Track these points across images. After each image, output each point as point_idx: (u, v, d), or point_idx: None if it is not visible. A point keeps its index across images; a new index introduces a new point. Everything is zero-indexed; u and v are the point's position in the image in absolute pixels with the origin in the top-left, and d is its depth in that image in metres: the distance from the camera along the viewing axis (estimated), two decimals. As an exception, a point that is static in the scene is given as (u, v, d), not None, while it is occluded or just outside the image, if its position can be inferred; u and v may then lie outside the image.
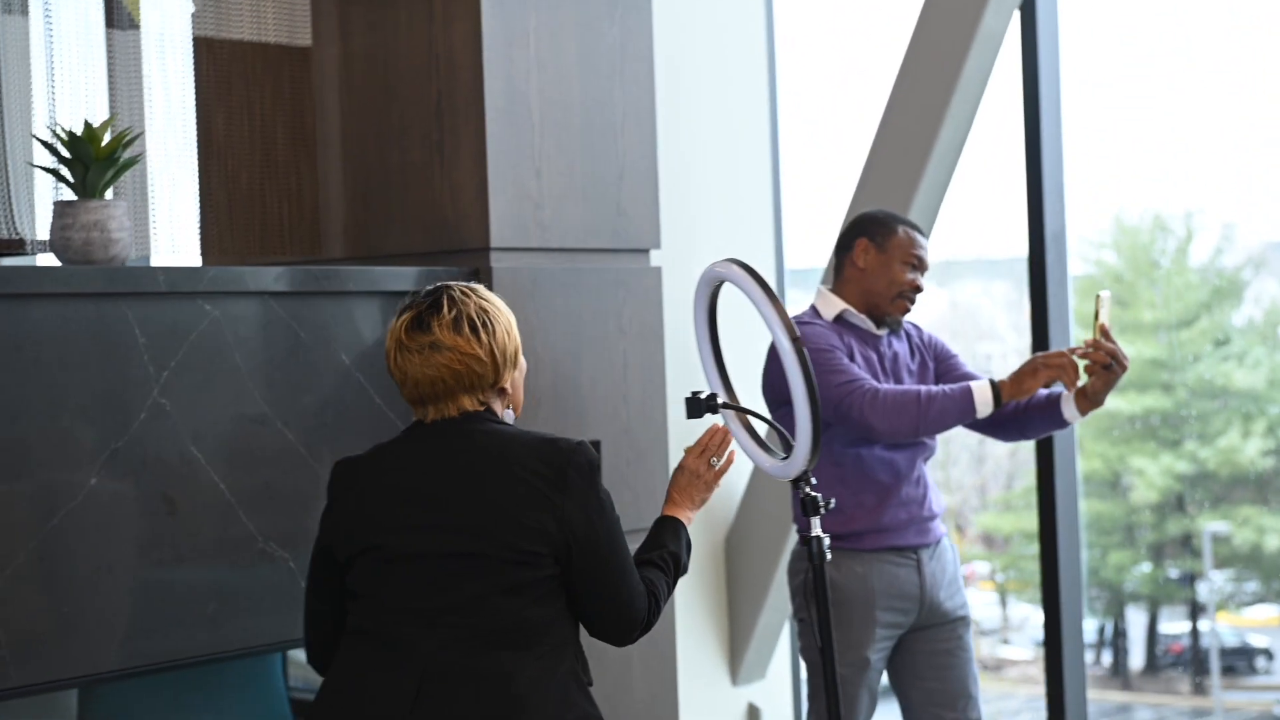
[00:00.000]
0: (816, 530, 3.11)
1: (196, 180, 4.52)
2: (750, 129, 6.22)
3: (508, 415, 3.42)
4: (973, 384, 4.42)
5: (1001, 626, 17.15)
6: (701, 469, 3.57)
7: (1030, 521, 13.01)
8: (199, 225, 4.55)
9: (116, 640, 3.73)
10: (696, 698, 5.92)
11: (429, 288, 3.37)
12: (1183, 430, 14.69)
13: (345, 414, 4.12)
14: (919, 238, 4.60)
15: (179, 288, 3.81)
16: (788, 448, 3.54)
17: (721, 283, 3.01)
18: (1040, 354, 4.42)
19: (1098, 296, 4.40)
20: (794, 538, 4.71)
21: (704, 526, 6.07)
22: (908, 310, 4.62)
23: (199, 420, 3.86)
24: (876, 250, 4.59)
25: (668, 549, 3.48)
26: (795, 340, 2.87)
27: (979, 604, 17.25)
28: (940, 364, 4.71)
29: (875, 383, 4.43)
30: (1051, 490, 5.63)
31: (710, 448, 3.56)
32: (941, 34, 5.57)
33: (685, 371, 5.25)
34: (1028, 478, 16.88)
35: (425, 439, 3.34)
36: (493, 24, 4.38)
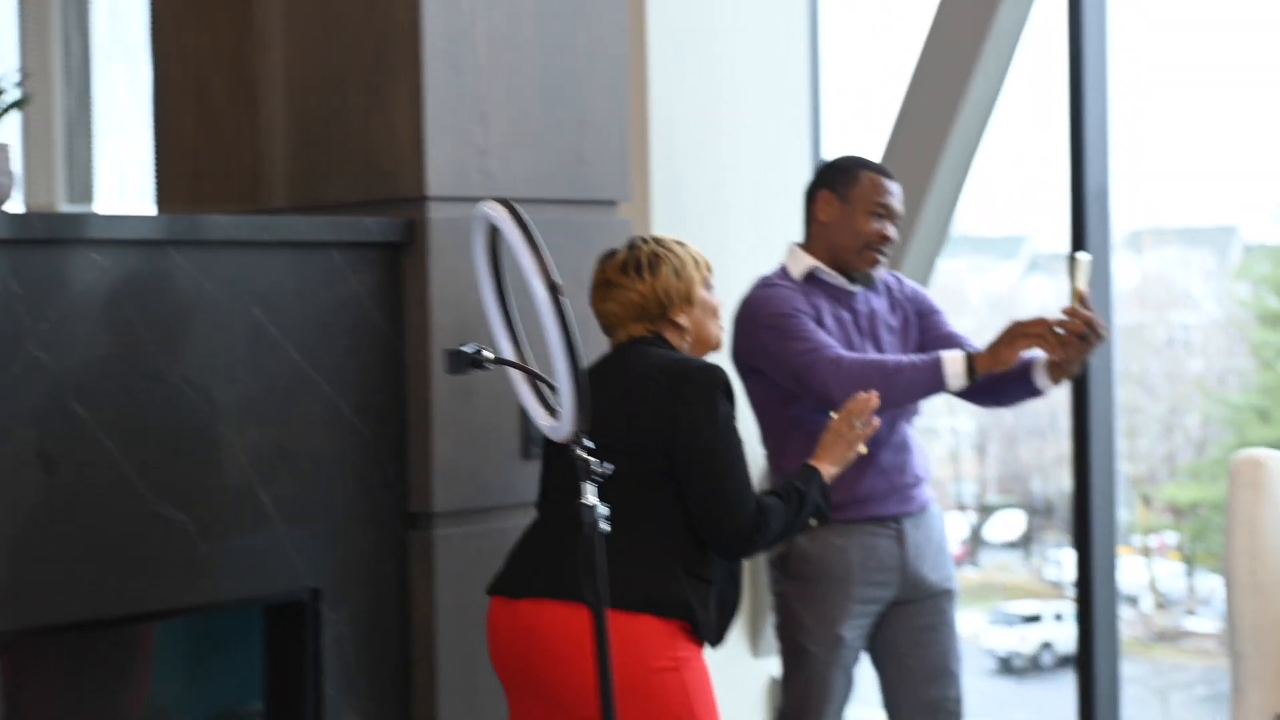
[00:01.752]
0: (590, 499, 2.88)
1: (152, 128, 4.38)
2: (788, 79, 5.91)
3: (684, 347, 3.83)
4: (944, 355, 4.11)
5: (1188, 598, 16.57)
6: (845, 429, 3.86)
7: (1221, 491, 12.55)
8: (155, 175, 4.40)
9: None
10: (717, 669, 5.63)
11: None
12: None
13: (258, 369, 3.94)
14: (886, 183, 4.26)
15: (59, 235, 3.65)
16: None
17: (495, 226, 2.77)
18: (1018, 321, 4.11)
19: (1073, 259, 4.06)
20: None
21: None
22: (877, 263, 4.28)
23: (83, 376, 3.69)
24: (839, 201, 4.26)
25: (794, 485, 3.78)
26: (552, 289, 2.64)
27: (1167, 575, 16.69)
28: (923, 319, 4.38)
29: (839, 351, 4.13)
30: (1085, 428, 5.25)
31: (854, 410, 3.85)
32: None
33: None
34: (1219, 447, 16.22)
35: (605, 359, 3.82)
36: (431, -40, 4.14)
